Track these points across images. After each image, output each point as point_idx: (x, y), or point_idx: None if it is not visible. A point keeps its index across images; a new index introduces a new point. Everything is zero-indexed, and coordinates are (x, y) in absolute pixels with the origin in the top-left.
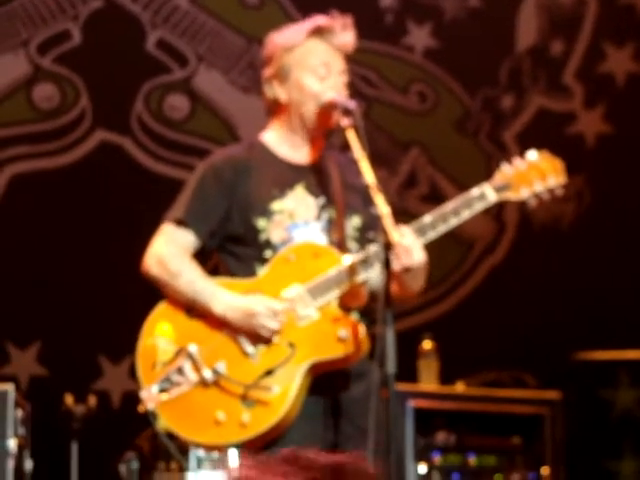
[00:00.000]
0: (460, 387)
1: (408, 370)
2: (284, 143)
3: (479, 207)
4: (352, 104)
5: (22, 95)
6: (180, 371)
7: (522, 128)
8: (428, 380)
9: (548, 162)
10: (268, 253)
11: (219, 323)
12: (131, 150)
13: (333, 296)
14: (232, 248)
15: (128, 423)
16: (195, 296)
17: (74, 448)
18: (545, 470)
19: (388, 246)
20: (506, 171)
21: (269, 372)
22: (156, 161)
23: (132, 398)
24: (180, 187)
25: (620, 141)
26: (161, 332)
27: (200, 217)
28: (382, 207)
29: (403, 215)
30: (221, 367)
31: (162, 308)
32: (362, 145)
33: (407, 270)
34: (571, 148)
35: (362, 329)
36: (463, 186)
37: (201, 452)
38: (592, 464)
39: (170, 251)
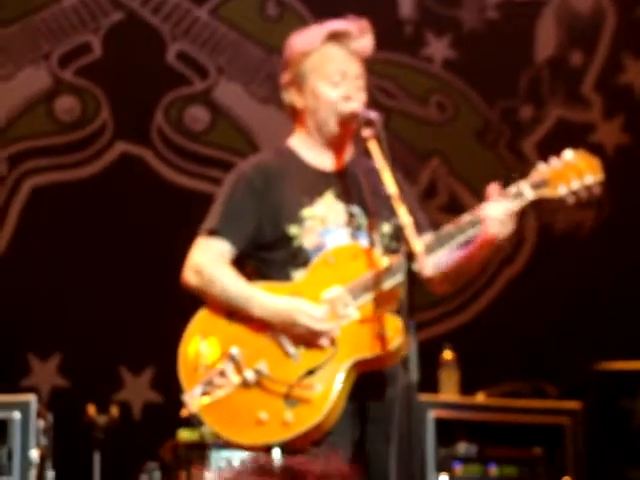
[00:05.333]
0: (481, 397)
1: (429, 380)
2: (309, 149)
3: (516, 205)
4: (374, 114)
5: (43, 108)
6: (222, 373)
7: (541, 138)
8: (448, 390)
9: (584, 160)
10: (301, 259)
11: (259, 325)
12: (151, 162)
13: (372, 296)
14: (265, 255)
15: (149, 433)
16: (233, 300)
17: (96, 458)
18: None
19: (410, 256)
20: (542, 169)
21: (311, 371)
22: (176, 173)
23: (153, 409)
24: (200, 198)
25: (639, 151)
26: (203, 336)
27: (233, 226)
28: (404, 217)
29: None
30: (263, 367)
31: (203, 313)
32: (384, 155)
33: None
34: None
35: (402, 328)
36: (483, 196)
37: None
38: (613, 473)
39: (205, 260)
